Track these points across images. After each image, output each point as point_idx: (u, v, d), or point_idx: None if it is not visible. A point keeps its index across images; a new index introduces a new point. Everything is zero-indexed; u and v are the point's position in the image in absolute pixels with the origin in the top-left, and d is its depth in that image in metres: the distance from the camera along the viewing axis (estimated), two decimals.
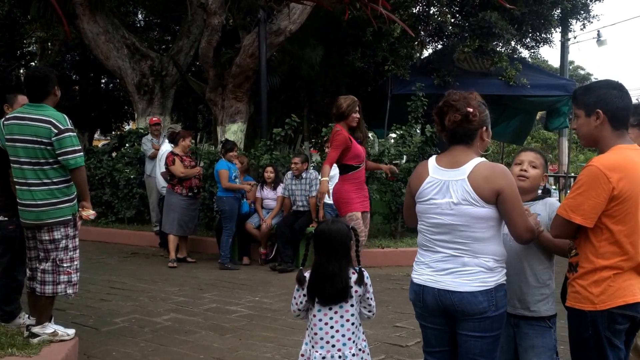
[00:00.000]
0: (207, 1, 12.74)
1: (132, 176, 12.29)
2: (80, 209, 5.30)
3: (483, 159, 3.26)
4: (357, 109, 6.85)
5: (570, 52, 22.32)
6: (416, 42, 16.02)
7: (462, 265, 3.18)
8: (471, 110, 3.18)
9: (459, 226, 3.17)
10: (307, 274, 3.55)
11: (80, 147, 5.18)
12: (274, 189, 10.21)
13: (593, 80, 51.81)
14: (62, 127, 5.02)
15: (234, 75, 13.01)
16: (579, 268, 3.15)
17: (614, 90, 3.16)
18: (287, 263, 9.58)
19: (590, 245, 3.11)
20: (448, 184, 3.20)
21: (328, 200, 9.30)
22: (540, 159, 3.72)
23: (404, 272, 9.32)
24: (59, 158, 5.03)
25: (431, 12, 15.86)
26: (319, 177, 8.64)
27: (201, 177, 10.41)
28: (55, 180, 5.09)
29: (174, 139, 10.38)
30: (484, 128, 3.29)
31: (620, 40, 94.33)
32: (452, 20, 15.80)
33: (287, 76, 16.15)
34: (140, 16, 21.47)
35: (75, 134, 5.17)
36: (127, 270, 9.42)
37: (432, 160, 3.37)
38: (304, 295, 3.53)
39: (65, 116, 5.13)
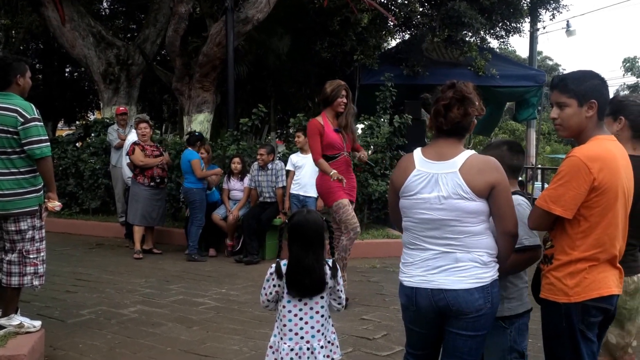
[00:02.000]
0: None
1: (97, 166, 12.23)
2: (46, 200, 5.29)
3: (473, 151, 3.20)
4: (344, 93, 6.78)
5: (539, 43, 22.57)
6: (384, 32, 16.08)
7: (455, 262, 3.11)
8: (478, 104, 3.15)
9: (450, 221, 3.09)
10: (283, 265, 3.52)
11: (46, 137, 5.14)
12: (241, 179, 10.23)
13: (562, 70, 52.47)
14: (29, 117, 5.01)
15: (200, 65, 13.02)
16: (554, 260, 3.16)
17: (600, 81, 3.18)
18: (253, 255, 9.60)
19: (566, 237, 3.12)
20: (437, 177, 3.12)
21: (296, 191, 9.43)
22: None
23: (370, 264, 9.49)
24: (25, 148, 5.01)
25: (399, 1, 15.93)
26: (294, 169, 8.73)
27: (165, 166, 10.34)
28: (22, 169, 5.07)
29: None
30: (475, 121, 3.25)
31: (589, 30, 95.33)
32: (421, 9, 15.87)
33: (254, 66, 16.15)
34: (105, 4, 21.26)
35: (41, 123, 5.13)
36: (93, 262, 9.40)
37: (417, 153, 3.27)
38: (275, 285, 3.51)
39: (33, 105, 5.11)
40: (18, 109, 5.01)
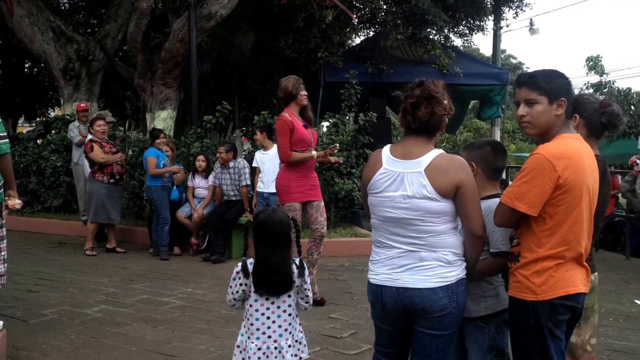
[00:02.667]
0: None
1: (58, 164, 12.11)
2: (6, 198, 5.21)
3: (441, 150, 3.17)
4: (303, 86, 6.73)
5: (502, 41, 22.75)
6: (348, 29, 16.09)
7: (420, 261, 3.11)
8: (446, 102, 3.13)
9: (413, 220, 3.09)
10: (249, 264, 3.51)
11: (5, 134, 5.06)
12: (206, 177, 10.21)
13: (525, 69, 53.02)
14: None
15: (163, 61, 12.94)
16: (520, 258, 3.16)
17: (565, 79, 3.20)
18: (219, 253, 9.58)
19: (532, 235, 3.12)
20: (403, 176, 3.12)
21: (261, 189, 9.42)
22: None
23: (338, 263, 9.52)
24: None
25: None
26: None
27: (123, 163, 10.28)
28: None
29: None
30: (446, 120, 3.22)
31: (553, 29, 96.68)
32: (385, 7, 15.91)
33: (218, 62, 16.07)
34: None
35: (0, 120, 5.10)
36: (55, 261, 9.32)
37: (386, 150, 3.26)
38: (241, 284, 3.50)
39: None
40: None
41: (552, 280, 3.07)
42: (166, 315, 6.56)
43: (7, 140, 5.10)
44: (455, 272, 3.13)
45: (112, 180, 9.98)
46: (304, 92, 6.71)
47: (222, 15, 12.88)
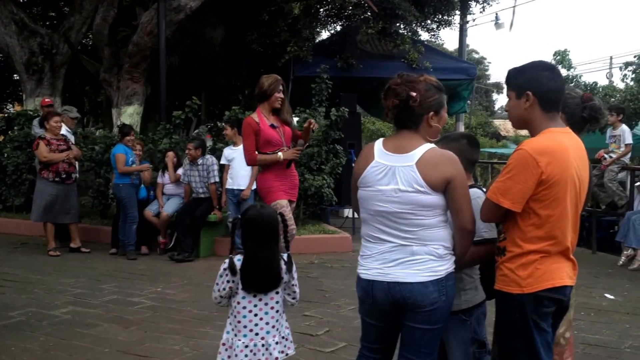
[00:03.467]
0: None
1: (20, 161, 11.87)
2: None
3: (432, 145, 3.20)
4: (281, 88, 6.56)
5: (468, 36, 22.91)
6: (315, 23, 16.04)
7: (411, 255, 3.13)
8: (413, 94, 3.13)
9: (404, 214, 3.12)
10: (236, 261, 3.49)
11: None
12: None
13: (487, 64, 53.41)
14: None
15: (130, 55, 12.79)
16: (506, 252, 3.18)
17: (545, 71, 3.19)
18: (187, 252, 9.50)
19: (517, 230, 3.15)
20: (394, 170, 3.14)
21: (230, 185, 9.36)
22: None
23: (308, 260, 9.50)
24: None
25: None
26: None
27: (73, 161, 9.99)
28: None
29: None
30: (431, 113, 3.20)
31: (520, 24, 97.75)
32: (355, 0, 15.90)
33: (186, 56, 15.96)
34: None
35: None
36: (18, 262, 9.18)
37: (378, 144, 3.30)
38: (228, 282, 3.49)
39: None
40: None
41: (538, 273, 3.09)
42: (137, 315, 6.51)
43: None
44: (446, 266, 3.15)
45: (57, 179, 9.75)
46: (279, 95, 6.52)
47: (191, 7, 12.80)
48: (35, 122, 11.47)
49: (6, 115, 15.77)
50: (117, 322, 6.23)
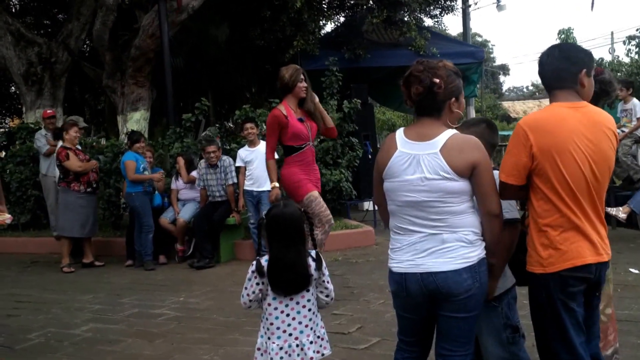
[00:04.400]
0: None
1: (24, 177, 11.66)
2: None
3: (455, 131, 3.22)
4: (302, 77, 6.53)
5: (471, 19, 22.84)
6: (317, 15, 15.90)
7: (442, 243, 3.12)
8: (437, 81, 3.13)
9: (433, 202, 3.12)
10: (264, 262, 3.47)
11: None
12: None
13: (491, 47, 53.40)
14: None
15: (133, 59, 12.64)
16: (529, 230, 3.30)
17: (543, 55, 3.37)
18: (207, 259, 9.32)
19: (532, 206, 3.26)
20: (419, 158, 3.15)
21: (249, 187, 9.13)
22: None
23: (331, 257, 9.23)
24: None
25: None
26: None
27: (97, 170, 9.99)
28: None
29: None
30: (453, 99, 3.23)
31: (522, 4, 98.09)
32: None
33: (190, 57, 15.85)
34: None
35: None
36: (31, 281, 8.99)
37: (399, 133, 3.30)
38: (257, 284, 3.48)
39: None
40: None
41: (558, 253, 3.15)
42: (162, 327, 6.33)
43: None
44: (477, 252, 3.17)
45: (89, 189, 9.66)
46: (302, 84, 6.51)
47: (194, 7, 12.68)
48: (38, 134, 11.28)
49: (6, 129, 15.55)
50: (142, 336, 6.04)
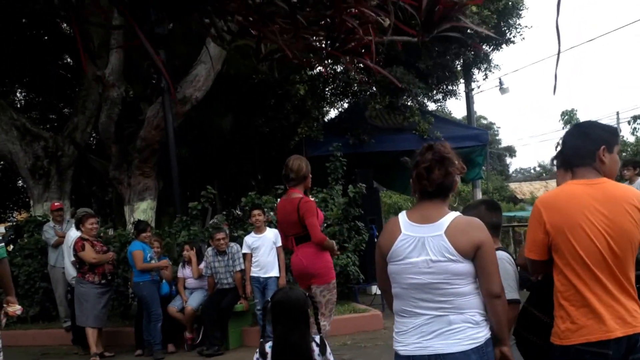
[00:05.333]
0: (104, 73, 12.59)
1: (32, 269, 11.75)
2: (5, 305, 5.10)
3: (458, 213, 3.31)
4: None
5: (475, 102, 23.16)
6: (321, 102, 16.21)
7: (449, 324, 3.15)
8: (457, 162, 3.27)
9: (439, 284, 3.16)
10: (267, 347, 3.53)
11: (1, 238, 4.98)
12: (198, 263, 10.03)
13: (496, 129, 53.79)
14: None
15: (139, 150, 12.88)
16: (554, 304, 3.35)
17: (566, 135, 3.54)
18: (216, 346, 9.33)
19: (554, 281, 3.32)
20: (423, 241, 3.19)
21: (254, 273, 9.20)
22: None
23: (341, 342, 9.29)
24: None
25: (337, 70, 16.14)
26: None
27: (114, 262, 10.06)
28: None
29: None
30: (457, 179, 3.34)
31: (524, 86, 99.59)
32: (357, 78, 16.09)
33: (195, 146, 16.10)
34: (19, 95, 20.88)
35: None
36: None
37: (402, 216, 3.36)
38: None
39: None
40: None
41: (575, 326, 3.19)
42: None
43: (3, 244, 5.02)
44: (484, 332, 3.20)
45: (103, 281, 9.70)
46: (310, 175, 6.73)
47: (197, 98, 12.98)
48: (46, 226, 11.42)
49: (14, 223, 15.69)
50: None
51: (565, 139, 3.50)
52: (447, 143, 3.35)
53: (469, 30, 11.99)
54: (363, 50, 3.81)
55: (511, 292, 3.59)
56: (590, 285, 3.17)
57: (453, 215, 3.23)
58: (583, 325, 3.15)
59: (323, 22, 3.56)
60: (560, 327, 3.23)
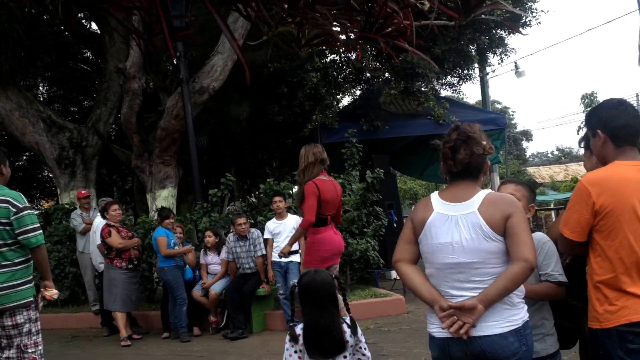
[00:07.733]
0: (125, 66, 12.92)
1: (62, 255, 12.13)
2: (42, 289, 5.31)
3: (490, 190, 3.29)
4: None
5: (490, 86, 23.01)
6: (334, 90, 16.30)
7: None
8: (485, 143, 3.23)
9: (474, 263, 3.10)
10: (298, 330, 3.58)
11: (39, 225, 5.23)
12: (218, 252, 10.28)
13: (511, 113, 53.25)
14: (21, 206, 5.08)
15: (159, 139, 13.20)
16: (588, 287, 3.27)
17: (611, 109, 3.36)
18: (240, 329, 9.54)
19: (590, 262, 3.25)
20: (456, 219, 3.16)
21: (276, 258, 9.43)
22: (522, 190, 3.75)
23: (363, 326, 9.11)
24: (19, 237, 5.06)
25: (351, 57, 16.20)
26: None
27: (140, 247, 10.37)
28: (15, 261, 5.11)
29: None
30: (488, 162, 3.32)
31: (541, 69, 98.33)
32: (371, 65, 16.13)
33: (213, 135, 16.34)
34: (42, 88, 21.24)
35: (33, 211, 5.22)
36: (73, 356, 9.29)
37: (434, 196, 3.33)
38: (296, 352, 3.57)
39: (21, 194, 5.19)
40: (9, 199, 5.07)
41: (614, 308, 3.11)
42: None
43: (41, 231, 5.22)
44: (521, 314, 3.14)
45: (130, 266, 10.02)
46: None
47: (214, 87, 13.24)
48: (74, 214, 11.79)
49: (42, 211, 16.01)
50: None
51: (616, 113, 3.32)
52: (477, 124, 3.30)
53: (483, 16, 11.96)
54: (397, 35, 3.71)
55: (563, 274, 3.52)
56: (630, 270, 3.11)
57: (485, 192, 3.19)
58: (623, 306, 3.08)
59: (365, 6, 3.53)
60: (598, 310, 3.15)
